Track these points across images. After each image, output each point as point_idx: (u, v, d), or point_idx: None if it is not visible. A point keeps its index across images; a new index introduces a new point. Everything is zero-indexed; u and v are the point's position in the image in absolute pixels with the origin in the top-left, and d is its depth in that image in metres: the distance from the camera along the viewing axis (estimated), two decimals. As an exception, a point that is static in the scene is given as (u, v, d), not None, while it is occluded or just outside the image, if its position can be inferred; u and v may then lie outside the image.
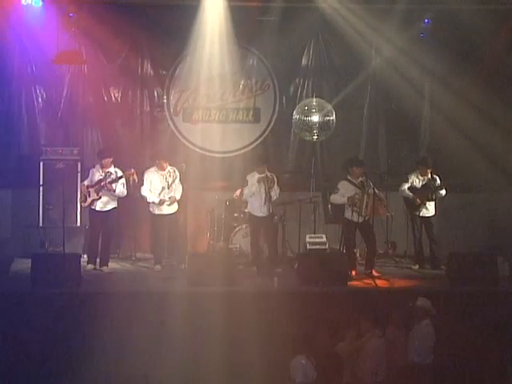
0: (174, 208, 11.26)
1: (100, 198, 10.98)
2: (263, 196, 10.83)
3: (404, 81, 12.48)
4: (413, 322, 8.71)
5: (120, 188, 11.01)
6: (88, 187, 11.03)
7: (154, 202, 11.14)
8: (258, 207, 10.91)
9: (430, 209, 11.43)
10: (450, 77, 12.42)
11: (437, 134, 12.75)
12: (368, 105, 12.87)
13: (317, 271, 10.09)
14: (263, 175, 10.94)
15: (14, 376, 8.68)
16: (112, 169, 11.08)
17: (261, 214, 10.93)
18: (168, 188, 11.14)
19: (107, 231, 11.15)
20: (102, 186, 10.95)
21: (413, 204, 11.36)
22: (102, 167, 11.09)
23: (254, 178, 10.99)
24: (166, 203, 11.10)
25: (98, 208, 11.04)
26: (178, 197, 11.21)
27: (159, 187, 11.16)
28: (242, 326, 8.95)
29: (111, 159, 11.12)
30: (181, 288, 9.85)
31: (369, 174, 11.15)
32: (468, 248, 11.41)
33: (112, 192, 10.95)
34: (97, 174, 11.08)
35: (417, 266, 11.46)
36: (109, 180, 10.95)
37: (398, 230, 12.04)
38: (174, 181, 11.18)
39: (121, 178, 10.99)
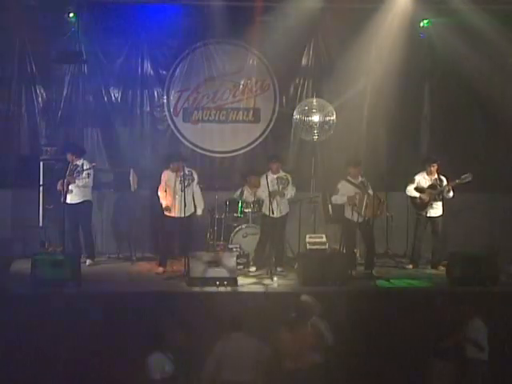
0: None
1: (68, 190, 11.05)
2: (277, 196, 10.90)
3: (404, 80, 12.48)
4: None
5: (84, 178, 11.09)
6: (62, 183, 11.12)
7: None
8: (270, 208, 10.90)
9: (437, 208, 11.36)
10: (450, 76, 12.47)
11: (437, 133, 12.76)
12: (368, 105, 12.86)
13: (317, 271, 10.11)
14: (276, 175, 11.04)
15: (14, 377, 8.66)
16: (79, 161, 11.19)
17: (274, 215, 10.93)
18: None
19: (85, 224, 11.30)
20: (70, 179, 11.05)
21: (420, 204, 11.32)
22: (71, 161, 11.23)
23: (267, 178, 11.00)
24: None
25: (68, 201, 11.11)
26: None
27: None
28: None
29: (71, 153, 11.22)
30: (181, 288, 9.89)
31: (369, 174, 11.15)
32: (468, 248, 11.40)
33: (73, 183, 11.03)
34: (66, 168, 11.23)
35: (411, 266, 11.45)
36: (75, 172, 11.06)
37: (397, 230, 12.04)
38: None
39: (87, 169, 11.07)
